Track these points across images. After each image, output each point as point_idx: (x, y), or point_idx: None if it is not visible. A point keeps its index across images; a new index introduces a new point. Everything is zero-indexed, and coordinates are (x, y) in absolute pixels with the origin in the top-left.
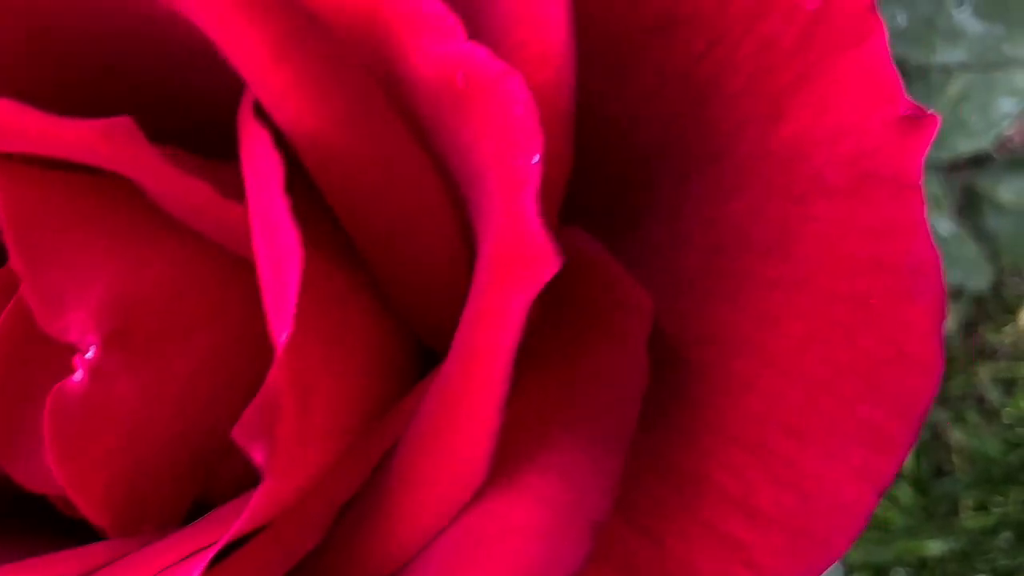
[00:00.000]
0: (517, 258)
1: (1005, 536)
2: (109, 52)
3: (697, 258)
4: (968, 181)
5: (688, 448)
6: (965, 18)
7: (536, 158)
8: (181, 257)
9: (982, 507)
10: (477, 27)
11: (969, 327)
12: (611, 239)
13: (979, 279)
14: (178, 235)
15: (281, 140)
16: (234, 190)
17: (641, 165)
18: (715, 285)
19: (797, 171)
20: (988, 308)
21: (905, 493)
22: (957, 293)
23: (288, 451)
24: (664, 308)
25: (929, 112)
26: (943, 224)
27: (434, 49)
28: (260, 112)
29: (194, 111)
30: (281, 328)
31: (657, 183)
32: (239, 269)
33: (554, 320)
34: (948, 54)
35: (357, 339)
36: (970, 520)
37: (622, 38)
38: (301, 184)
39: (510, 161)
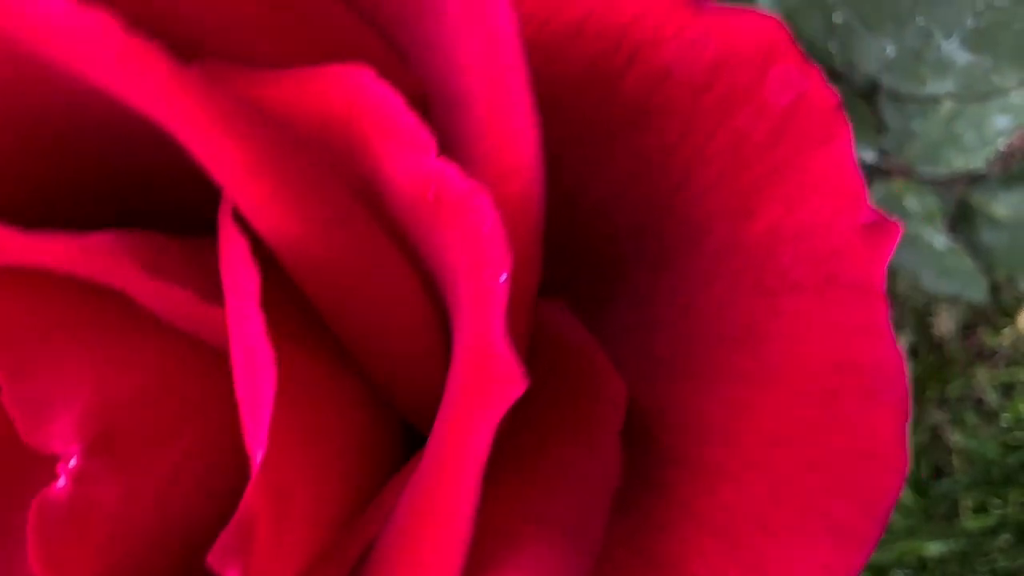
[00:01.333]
0: (484, 378)
1: (1005, 537)
2: (84, 142)
3: (671, 343)
4: (962, 195)
5: (661, 534)
6: (953, 49)
7: (504, 277)
8: (164, 356)
9: (982, 508)
10: (448, 136)
11: (967, 329)
12: (587, 313)
13: (975, 292)
14: (161, 333)
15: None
16: (216, 277)
17: (616, 248)
18: (688, 372)
19: (767, 266)
20: (986, 311)
21: (905, 494)
22: (956, 296)
23: (264, 565)
24: (640, 390)
25: (891, 220)
26: (938, 239)
27: (407, 162)
28: (239, 216)
29: (171, 188)
30: (256, 447)
31: (632, 266)
32: (222, 362)
33: (529, 408)
34: (937, 85)
35: (338, 434)
36: (970, 521)
37: (596, 126)
38: (281, 275)
39: (479, 278)
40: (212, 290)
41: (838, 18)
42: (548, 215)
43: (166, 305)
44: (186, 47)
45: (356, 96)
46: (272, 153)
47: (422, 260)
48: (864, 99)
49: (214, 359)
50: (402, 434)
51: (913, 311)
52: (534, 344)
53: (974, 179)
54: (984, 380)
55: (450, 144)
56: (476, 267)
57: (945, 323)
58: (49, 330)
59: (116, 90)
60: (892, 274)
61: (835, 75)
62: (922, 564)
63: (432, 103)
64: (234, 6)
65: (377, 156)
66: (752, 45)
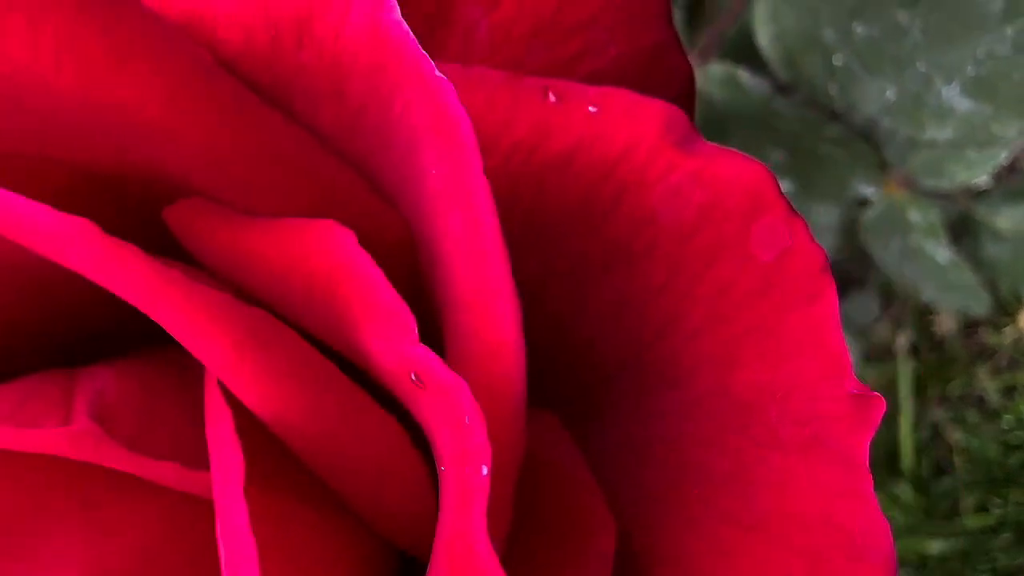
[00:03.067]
0: (462, 573)
1: (1005, 536)
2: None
3: (659, 474)
4: (966, 208)
5: None
6: (954, 96)
7: (485, 470)
8: (156, 513)
9: (982, 507)
10: (430, 308)
11: (969, 328)
12: (577, 426)
13: (978, 306)
14: (151, 491)
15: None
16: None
17: (602, 377)
18: (676, 505)
19: (753, 418)
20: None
21: (905, 492)
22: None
23: None
24: (628, 520)
25: (875, 394)
26: (941, 252)
27: (387, 341)
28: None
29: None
30: None
31: (617, 395)
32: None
33: (519, 535)
34: (937, 131)
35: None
36: (970, 520)
37: (582, 260)
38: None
39: (460, 468)
40: (198, 441)
41: (838, 60)
42: (533, 336)
43: (154, 475)
44: (169, 185)
45: (338, 262)
46: (256, 338)
47: (408, 413)
48: (863, 136)
49: (205, 509)
50: (396, 558)
51: (914, 310)
52: (524, 463)
53: (977, 192)
54: (985, 379)
55: (437, 304)
56: (457, 456)
57: (946, 322)
58: (36, 506)
59: (101, 284)
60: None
61: (834, 116)
62: (923, 562)
63: (419, 251)
64: (218, 147)
65: (358, 326)
66: (739, 194)
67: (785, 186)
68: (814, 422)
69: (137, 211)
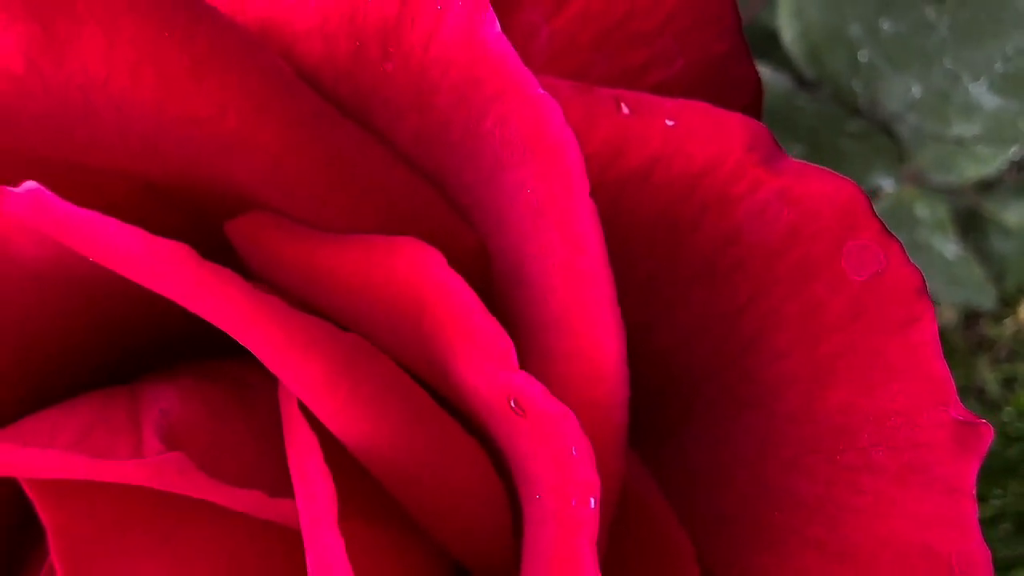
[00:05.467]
0: None
1: (1005, 527)
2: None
3: (740, 499)
4: (974, 203)
5: None
6: (981, 92)
7: (593, 503)
8: (233, 544)
9: (982, 498)
10: (515, 310)
11: (969, 320)
12: (654, 448)
13: (984, 301)
14: (227, 517)
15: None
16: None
17: (682, 389)
18: (757, 531)
19: (844, 442)
20: None
21: None
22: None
23: None
24: (708, 548)
25: (981, 420)
26: (948, 247)
27: (484, 368)
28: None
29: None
30: None
31: (697, 414)
32: (296, 540)
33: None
34: (963, 127)
35: None
36: None
37: (664, 275)
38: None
39: (566, 501)
40: (268, 462)
41: (863, 56)
42: None
43: (236, 504)
44: (233, 197)
45: (428, 284)
46: (349, 367)
47: (494, 440)
48: (884, 130)
49: (290, 537)
50: None
51: None
52: None
53: (986, 187)
54: (985, 370)
55: (517, 322)
56: (561, 488)
57: (946, 313)
58: (114, 534)
59: (191, 309)
60: None
61: (856, 111)
62: None
63: (494, 267)
64: (292, 161)
65: (450, 350)
66: (830, 212)
67: None
68: (913, 449)
69: (195, 223)
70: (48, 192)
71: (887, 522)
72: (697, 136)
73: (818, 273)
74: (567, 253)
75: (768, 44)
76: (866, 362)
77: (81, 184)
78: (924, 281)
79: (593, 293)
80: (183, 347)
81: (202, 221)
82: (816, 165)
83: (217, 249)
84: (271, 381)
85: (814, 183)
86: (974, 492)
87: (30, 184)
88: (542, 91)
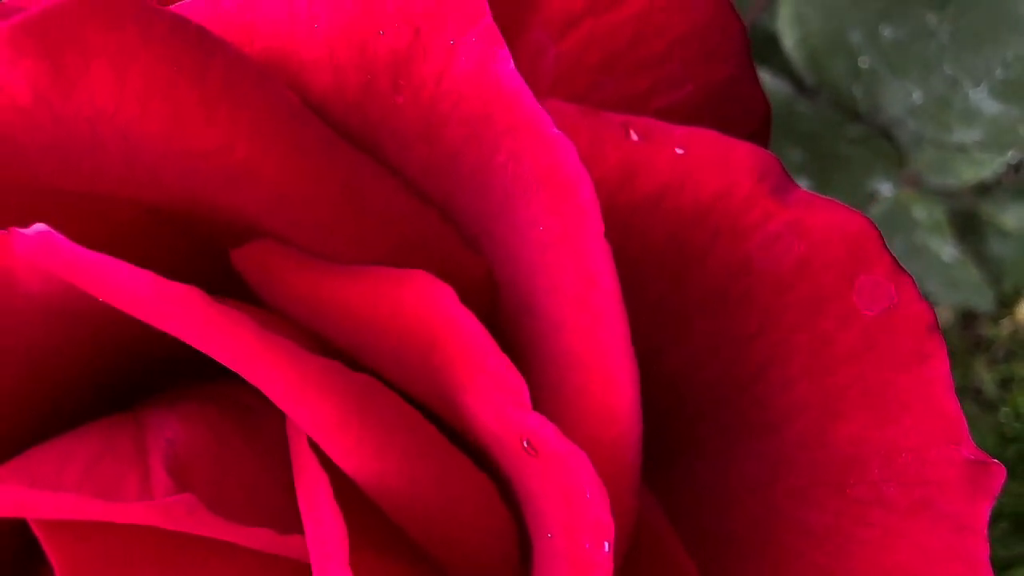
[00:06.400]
0: None
1: (1002, 526)
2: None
3: (748, 521)
4: (971, 206)
5: None
6: (982, 98)
7: (607, 547)
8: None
9: None
10: (522, 341)
11: (967, 320)
12: (660, 467)
13: (982, 303)
14: (236, 553)
15: None
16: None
17: (688, 420)
18: (763, 555)
19: (853, 474)
20: None
21: None
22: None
23: None
24: (712, 567)
25: (994, 460)
26: (946, 250)
27: (496, 407)
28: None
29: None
30: None
31: (704, 439)
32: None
33: None
34: (964, 134)
35: None
36: None
37: (673, 302)
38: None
39: (576, 542)
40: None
41: (864, 63)
42: None
43: (247, 541)
44: (239, 224)
45: (438, 320)
46: (358, 406)
47: (504, 475)
48: (884, 135)
49: (299, 570)
50: None
51: None
52: None
53: (983, 190)
54: (982, 371)
55: (526, 353)
56: (573, 529)
57: (944, 314)
58: (128, 573)
59: (202, 349)
60: None
61: (856, 116)
62: None
63: (502, 297)
64: (300, 191)
65: (461, 387)
66: (840, 246)
67: (802, 183)
68: (923, 485)
69: (201, 246)
70: (57, 234)
71: (894, 555)
72: (707, 165)
73: (828, 305)
74: (580, 291)
75: (768, 49)
76: (877, 396)
77: (86, 210)
78: (936, 318)
79: (607, 332)
80: (182, 367)
81: (208, 245)
82: (825, 197)
83: (223, 272)
84: (271, 408)
85: (824, 215)
86: (986, 531)
87: (40, 226)
88: (556, 130)
